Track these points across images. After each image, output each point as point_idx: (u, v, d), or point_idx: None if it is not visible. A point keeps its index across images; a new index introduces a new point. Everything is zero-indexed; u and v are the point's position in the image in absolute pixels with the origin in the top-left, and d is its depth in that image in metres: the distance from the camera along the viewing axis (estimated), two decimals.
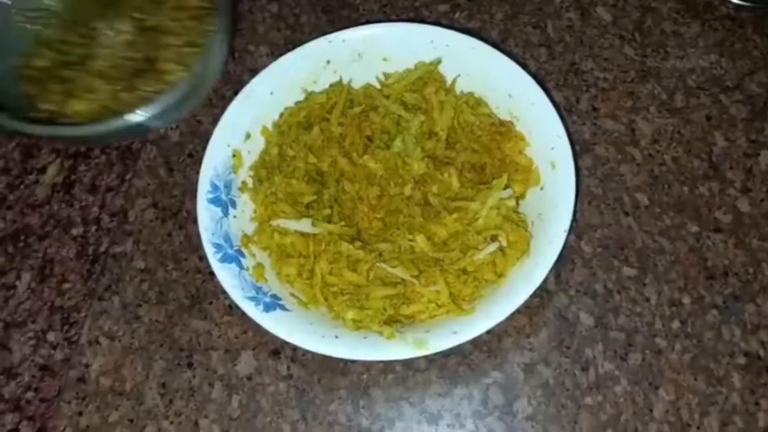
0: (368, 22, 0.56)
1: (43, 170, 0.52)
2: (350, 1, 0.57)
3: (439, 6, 0.56)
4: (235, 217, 0.43)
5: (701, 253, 0.45)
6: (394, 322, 0.40)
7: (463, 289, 0.40)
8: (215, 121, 0.45)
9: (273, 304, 0.40)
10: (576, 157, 0.48)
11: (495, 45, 0.53)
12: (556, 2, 0.56)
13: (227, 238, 0.42)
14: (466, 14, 0.56)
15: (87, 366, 0.45)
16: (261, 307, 0.40)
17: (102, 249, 0.48)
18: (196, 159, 0.51)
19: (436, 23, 0.55)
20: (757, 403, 0.41)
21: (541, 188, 0.42)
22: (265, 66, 0.54)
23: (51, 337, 0.46)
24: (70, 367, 0.45)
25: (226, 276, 0.40)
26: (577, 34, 0.54)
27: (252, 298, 0.40)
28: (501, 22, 0.55)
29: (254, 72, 0.54)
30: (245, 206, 0.44)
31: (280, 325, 0.39)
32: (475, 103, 0.45)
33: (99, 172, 0.51)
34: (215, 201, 0.42)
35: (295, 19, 0.57)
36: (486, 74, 0.45)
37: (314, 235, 0.42)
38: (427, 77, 0.46)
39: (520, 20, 0.55)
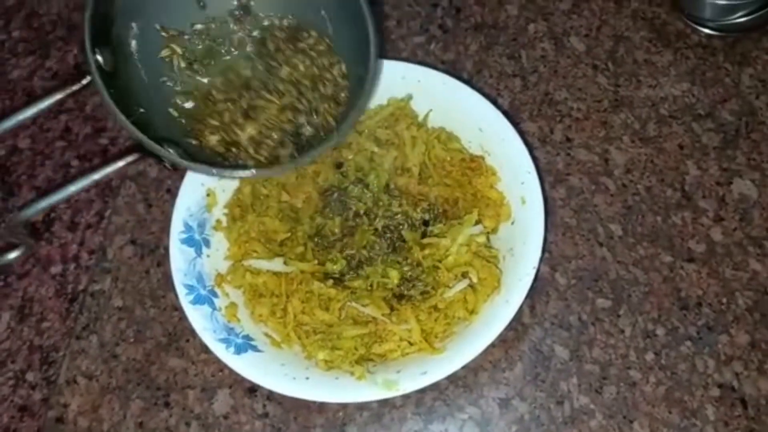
0: None
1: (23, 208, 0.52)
2: None
3: (414, 38, 0.56)
4: (208, 256, 0.43)
5: (675, 283, 0.45)
6: (366, 361, 0.39)
7: (435, 326, 0.39)
8: None
9: (245, 345, 0.40)
10: (550, 188, 0.48)
11: (470, 76, 0.54)
12: (530, 33, 0.56)
13: (200, 279, 0.42)
14: (441, 46, 0.56)
15: (65, 406, 0.44)
16: (232, 349, 0.40)
17: (81, 287, 0.48)
18: (174, 194, 0.50)
19: (412, 55, 0.55)
20: None
21: (512, 223, 0.42)
22: None
23: (30, 377, 0.46)
24: (48, 407, 0.44)
25: (197, 318, 0.40)
26: (551, 64, 0.54)
27: (223, 340, 0.40)
28: (476, 53, 0.55)
29: None
30: (220, 245, 0.44)
31: (252, 368, 0.39)
32: (446, 138, 0.45)
33: (78, 209, 0.51)
34: (188, 241, 0.42)
35: None
36: (457, 109, 0.45)
37: (286, 273, 0.42)
38: (398, 113, 0.46)
39: (494, 51, 0.55)
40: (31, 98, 0.56)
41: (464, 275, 0.40)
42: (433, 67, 0.47)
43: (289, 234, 0.43)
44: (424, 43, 0.56)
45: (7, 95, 0.57)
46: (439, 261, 0.40)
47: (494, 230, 0.43)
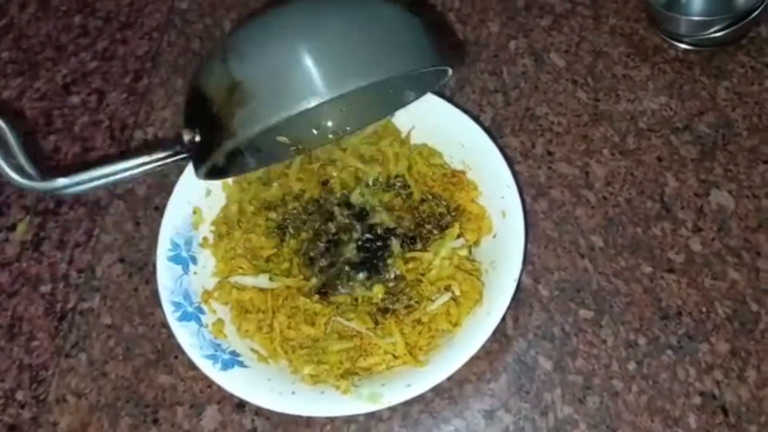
0: None
1: (12, 228, 0.51)
2: None
3: None
4: (195, 273, 0.43)
5: (655, 293, 0.45)
6: (352, 375, 0.39)
7: (418, 339, 0.39)
8: (181, 173, 0.45)
9: (231, 361, 0.40)
10: (532, 201, 0.49)
11: (453, 93, 0.54)
12: (511, 49, 0.56)
13: (187, 296, 0.42)
14: None
15: (55, 425, 0.44)
16: (219, 365, 0.39)
17: (70, 306, 0.48)
18: (162, 212, 0.50)
19: None
20: None
21: (494, 236, 0.42)
22: None
23: (19, 395, 0.45)
24: (38, 426, 0.44)
25: (184, 334, 0.40)
26: (531, 80, 0.54)
27: (210, 356, 0.39)
28: (458, 70, 0.55)
29: None
30: (207, 261, 0.44)
31: (238, 384, 0.39)
32: (428, 153, 0.45)
33: (67, 228, 0.51)
34: (175, 259, 0.42)
35: None
36: (439, 126, 0.45)
37: (272, 289, 0.42)
38: (382, 130, 0.46)
39: (477, 67, 0.56)
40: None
41: (447, 288, 0.40)
42: None
43: (275, 250, 0.43)
44: None
45: None
46: (422, 275, 0.41)
47: (476, 243, 0.43)
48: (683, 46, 0.54)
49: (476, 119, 0.46)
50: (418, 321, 0.40)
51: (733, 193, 0.48)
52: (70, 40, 0.60)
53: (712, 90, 0.53)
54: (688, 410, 0.41)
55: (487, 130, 0.45)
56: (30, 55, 0.60)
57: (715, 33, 0.52)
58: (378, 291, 0.40)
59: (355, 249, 0.42)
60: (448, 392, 0.42)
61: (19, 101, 0.57)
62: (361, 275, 0.41)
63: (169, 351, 0.45)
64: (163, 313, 0.46)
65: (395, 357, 0.39)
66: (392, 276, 0.41)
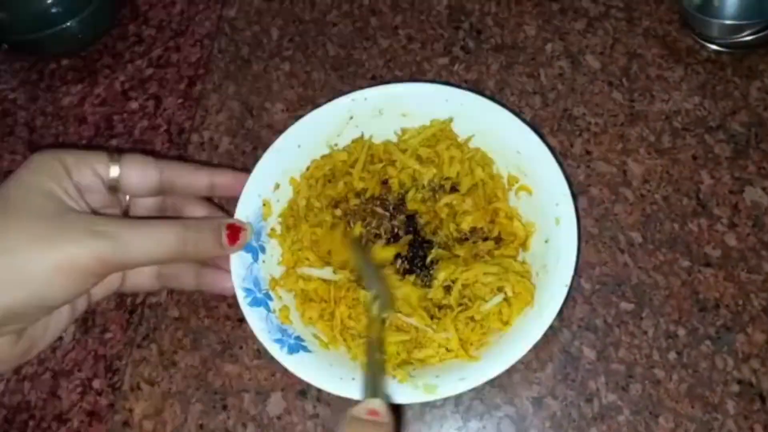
0: (374, 77, 0.58)
1: None
2: (356, 58, 0.60)
3: (438, 59, 0.59)
4: (264, 261, 0.45)
5: (693, 286, 0.47)
6: (407, 365, 0.41)
7: (471, 335, 0.41)
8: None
9: (297, 345, 0.42)
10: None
11: (493, 94, 0.56)
12: (548, 52, 0.58)
13: (256, 283, 0.44)
14: (464, 66, 0.58)
15: (130, 411, 0.47)
16: (286, 349, 0.41)
17: (139, 300, 0.50)
18: (224, 210, 0.53)
19: (437, 75, 0.58)
20: (751, 428, 0.42)
21: (546, 241, 0.43)
22: (281, 122, 0.57)
23: (96, 384, 0.48)
24: (115, 412, 0.47)
25: (255, 319, 0.42)
26: (568, 82, 0.56)
27: (278, 341, 0.41)
28: (497, 72, 0.57)
29: (271, 127, 0.57)
30: (274, 251, 0.46)
31: (302, 368, 0.40)
32: (481, 159, 0.47)
33: None
34: (246, 248, 0.44)
35: (306, 76, 0.59)
36: (496, 132, 0.47)
37: (335, 281, 0.44)
38: (440, 134, 0.48)
39: (514, 70, 0.57)
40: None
41: (500, 289, 0.42)
42: (461, 87, 0.50)
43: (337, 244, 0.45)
44: (448, 64, 0.58)
45: (60, 121, 0.60)
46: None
47: (526, 248, 0.45)
48: (715, 47, 0.55)
49: None
50: (471, 318, 0.42)
51: (767, 190, 0.50)
52: (126, 48, 0.63)
53: (744, 90, 0.54)
54: (726, 397, 0.43)
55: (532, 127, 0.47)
56: (89, 62, 0.62)
57: (747, 37, 0.53)
58: (437, 287, 0.42)
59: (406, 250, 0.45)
60: (498, 380, 0.45)
61: (81, 107, 0.60)
62: (412, 276, 0.44)
63: (234, 342, 0.48)
64: (227, 306, 0.49)
65: (448, 350, 0.41)
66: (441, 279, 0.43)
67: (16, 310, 0.36)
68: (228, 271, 0.43)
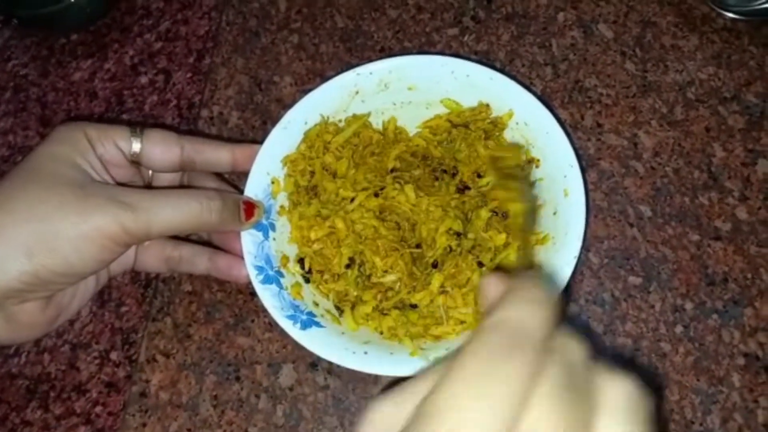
0: (383, 48, 0.57)
1: None
2: (365, 29, 0.58)
3: (448, 30, 0.57)
4: (274, 239, 0.45)
5: (702, 260, 0.46)
6: (419, 338, 0.41)
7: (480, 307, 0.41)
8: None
9: (309, 321, 0.42)
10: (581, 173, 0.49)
11: (503, 66, 0.54)
12: (560, 21, 0.56)
13: (268, 260, 0.44)
14: (474, 37, 0.56)
15: (147, 382, 0.47)
16: (299, 325, 0.41)
17: (153, 275, 0.51)
18: (235, 186, 0.53)
19: (447, 46, 0.56)
20: (756, 401, 0.42)
21: (554, 213, 0.43)
22: (290, 95, 0.56)
23: (113, 356, 0.49)
24: (132, 383, 0.48)
25: (267, 296, 0.42)
26: (580, 52, 0.54)
27: (291, 317, 0.41)
28: (507, 43, 0.56)
29: (280, 101, 0.56)
30: (284, 228, 0.46)
31: (316, 342, 0.41)
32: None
33: None
34: (257, 226, 0.44)
35: (315, 49, 0.58)
36: (504, 103, 0.46)
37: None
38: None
39: (525, 41, 0.55)
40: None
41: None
42: (469, 59, 0.48)
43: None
44: (458, 34, 0.57)
45: (71, 96, 0.59)
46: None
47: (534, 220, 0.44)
48: (731, 15, 0.53)
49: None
50: (480, 263, 0.42)
51: None
52: (134, 22, 0.62)
53: (760, 60, 0.52)
54: (732, 370, 0.43)
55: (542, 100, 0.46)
56: (98, 37, 0.61)
57: (765, 4, 0.51)
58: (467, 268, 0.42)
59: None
60: None
61: (92, 82, 0.59)
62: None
63: (246, 315, 0.48)
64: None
65: (462, 323, 0.41)
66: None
67: (45, 277, 0.36)
68: (241, 258, 0.43)
